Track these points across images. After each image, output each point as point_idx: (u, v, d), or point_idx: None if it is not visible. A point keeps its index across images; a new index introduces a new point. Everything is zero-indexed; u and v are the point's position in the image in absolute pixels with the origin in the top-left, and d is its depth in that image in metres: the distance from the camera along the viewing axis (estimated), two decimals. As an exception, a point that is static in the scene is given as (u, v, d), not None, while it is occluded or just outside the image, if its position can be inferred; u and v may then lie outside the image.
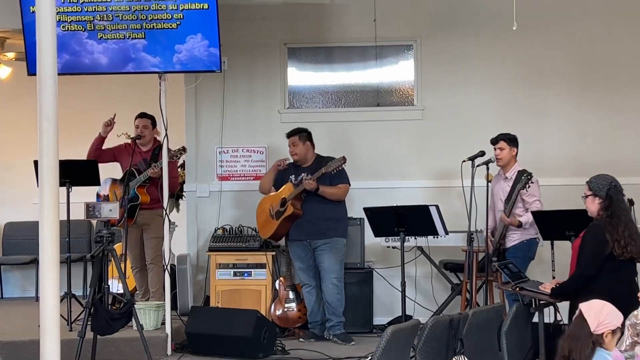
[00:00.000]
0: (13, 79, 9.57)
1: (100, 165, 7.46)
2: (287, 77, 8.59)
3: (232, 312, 7.16)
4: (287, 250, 7.78)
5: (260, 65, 8.51)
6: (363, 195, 8.06)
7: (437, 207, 7.07)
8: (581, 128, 8.34)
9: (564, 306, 5.68)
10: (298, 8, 8.48)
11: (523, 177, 6.79)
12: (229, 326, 6.79)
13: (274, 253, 7.92)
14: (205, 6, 6.55)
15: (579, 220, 5.95)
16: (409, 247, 7.65)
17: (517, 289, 5.68)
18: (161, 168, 6.92)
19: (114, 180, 7.56)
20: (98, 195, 7.63)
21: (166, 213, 6.81)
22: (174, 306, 7.36)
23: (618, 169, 6.76)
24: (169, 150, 6.95)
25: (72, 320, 6.88)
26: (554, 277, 6.55)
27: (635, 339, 3.96)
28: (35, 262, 9.17)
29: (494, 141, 7.16)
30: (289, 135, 7.65)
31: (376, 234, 7.43)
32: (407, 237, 7.14)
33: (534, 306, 5.64)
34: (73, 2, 6.61)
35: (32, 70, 6.24)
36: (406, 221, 7.03)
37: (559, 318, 6.19)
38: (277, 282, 7.85)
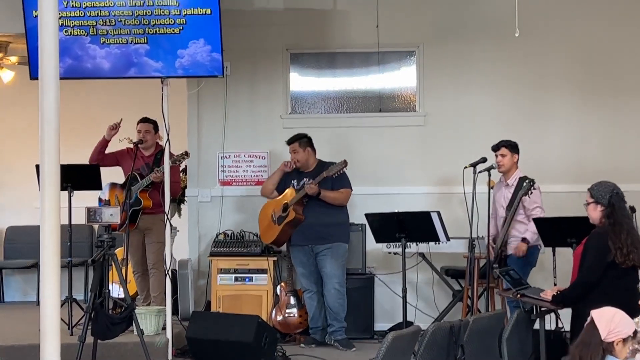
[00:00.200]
0: (16, 83, 9.57)
1: (102, 169, 7.46)
2: (290, 83, 8.60)
3: (233, 317, 7.15)
4: (288, 255, 7.78)
5: (262, 71, 8.52)
6: (365, 201, 8.05)
7: (438, 213, 7.06)
8: (583, 134, 8.34)
9: (565, 313, 5.68)
10: (301, 14, 8.50)
11: (525, 184, 6.79)
12: (230, 331, 6.78)
13: (275, 258, 7.91)
14: (208, 11, 6.56)
15: (581, 227, 5.95)
16: (411, 253, 7.64)
17: (519, 295, 5.68)
18: (163, 172, 6.92)
19: (115, 185, 7.56)
20: (100, 200, 7.63)
21: (168, 218, 6.81)
22: (175, 311, 7.35)
23: (620, 175, 6.75)
24: (171, 155, 6.95)
25: (73, 325, 6.87)
26: (555, 284, 6.55)
27: (636, 346, 3.94)
28: (36, 266, 9.15)
29: (495, 148, 7.16)
30: (289, 142, 7.65)
31: (377, 240, 7.43)
32: (408, 243, 7.13)
33: (535, 313, 5.64)
34: (76, 6, 6.62)
35: (34, 75, 6.25)
36: (407, 227, 7.03)
37: (560, 325, 6.18)
38: (278, 287, 7.84)
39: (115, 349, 6.49)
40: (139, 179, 7.26)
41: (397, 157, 8.42)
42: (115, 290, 7.55)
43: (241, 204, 8.46)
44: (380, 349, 3.93)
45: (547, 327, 5.81)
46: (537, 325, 5.68)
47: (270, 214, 7.65)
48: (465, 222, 7.11)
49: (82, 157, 7.48)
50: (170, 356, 6.74)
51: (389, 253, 7.87)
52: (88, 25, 6.65)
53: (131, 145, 7.55)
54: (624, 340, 3.54)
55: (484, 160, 7.17)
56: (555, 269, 6.90)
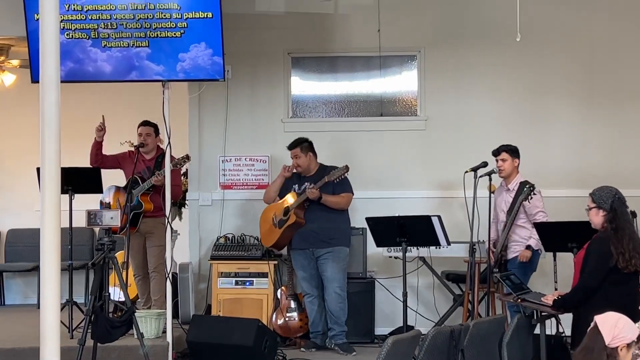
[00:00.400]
0: (17, 86, 9.58)
1: (103, 171, 7.46)
2: (291, 87, 8.60)
3: (234, 321, 7.14)
4: (289, 259, 7.78)
5: (263, 75, 8.52)
6: (366, 205, 8.05)
7: (439, 217, 7.06)
8: (584, 139, 8.33)
9: (566, 318, 5.67)
10: (302, 17, 8.50)
11: (525, 189, 6.79)
12: (230, 335, 6.77)
13: (275, 262, 7.91)
14: (209, 15, 6.56)
15: (582, 232, 5.95)
16: (411, 258, 7.64)
17: (519, 300, 5.67)
18: (164, 176, 6.92)
19: (117, 188, 7.56)
20: (101, 203, 7.63)
21: (168, 221, 6.81)
22: (175, 314, 7.35)
23: (621, 180, 6.74)
24: (172, 158, 6.95)
25: (73, 328, 6.87)
26: (556, 289, 6.54)
27: (637, 352, 3.93)
28: (37, 269, 9.15)
29: (496, 153, 7.16)
30: (291, 147, 7.65)
31: (378, 244, 7.42)
32: (409, 248, 7.13)
33: (535, 318, 5.63)
34: (77, 10, 6.63)
35: (35, 78, 6.25)
36: (408, 231, 7.02)
37: (560, 330, 6.18)
38: (279, 291, 7.84)
39: (116, 352, 6.49)
40: (140, 182, 7.26)
41: (398, 161, 8.42)
42: (116, 294, 7.54)
43: (242, 208, 8.46)
44: (380, 353, 3.93)
45: (548, 332, 5.80)
46: (537, 330, 5.67)
47: (271, 217, 7.65)
48: (466, 226, 7.11)
49: (83, 160, 7.49)
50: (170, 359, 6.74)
51: (390, 257, 7.87)
52: (89, 28, 6.65)
53: (132, 149, 7.55)
54: (628, 346, 3.53)
55: (484, 164, 7.17)
56: (556, 274, 6.89)
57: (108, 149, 7.54)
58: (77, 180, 7.12)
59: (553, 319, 5.98)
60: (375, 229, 7.29)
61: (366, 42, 8.35)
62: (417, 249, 7.60)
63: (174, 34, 6.59)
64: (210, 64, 6.61)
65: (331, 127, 8.48)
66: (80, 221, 7.27)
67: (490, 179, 7.12)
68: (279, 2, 8.55)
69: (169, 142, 6.73)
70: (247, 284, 7.86)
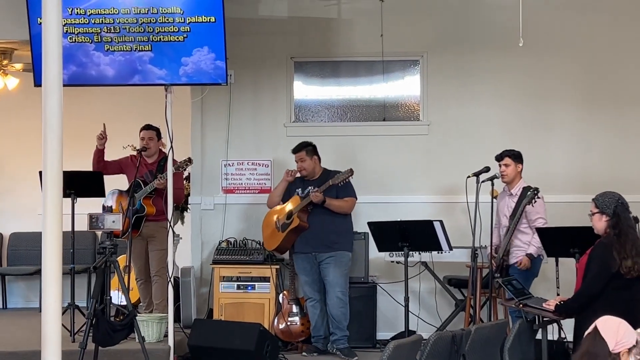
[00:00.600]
0: (20, 90, 9.60)
1: (106, 177, 7.46)
2: (293, 91, 8.60)
3: (235, 325, 7.15)
4: (291, 263, 7.78)
5: (266, 79, 8.53)
6: (367, 209, 8.04)
7: (441, 222, 7.06)
8: (587, 144, 8.33)
9: (568, 323, 5.66)
10: (305, 22, 8.51)
11: (529, 193, 6.79)
12: (232, 339, 6.77)
13: (277, 266, 7.91)
14: (212, 19, 6.56)
15: (584, 237, 5.94)
16: (413, 262, 7.63)
17: (521, 305, 5.67)
18: (167, 179, 6.92)
19: (120, 192, 7.56)
20: (104, 207, 7.63)
21: (170, 225, 6.81)
22: (177, 319, 7.35)
23: (624, 186, 6.75)
24: (174, 161, 6.96)
25: (75, 332, 6.87)
26: (558, 294, 6.54)
27: (639, 357, 3.92)
28: (39, 272, 9.10)
29: (499, 158, 7.15)
30: (295, 151, 7.65)
31: (380, 249, 7.43)
32: (411, 252, 7.13)
33: (537, 323, 5.62)
34: (80, 14, 6.64)
35: (38, 82, 6.25)
36: (410, 236, 7.02)
37: (562, 335, 6.17)
38: (281, 295, 7.83)
39: (117, 356, 6.49)
40: (143, 186, 7.26)
41: (400, 166, 8.41)
42: (118, 297, 7.55)
43: (244, 212, 8.46)
44: (381, 357, 3.92)
45: (550, 337, 5.79)
46: (539, 336, 5.66)
47: (274, 221, 7.65)
48: (468, 231, 7.10)
49: (86, 164, 7.49)
50: (171, 364, 6.74)
51: (392, 262, 7.86)
52: (92, 32, 6.66)
53: (134, 153, 7.56)
54: (629, 351, 3.53)
55: (487, 169, 7.16)
56: (558, 279, 6.88)
57: (110, 153, 7.54)
58: (79, 184, 7.13)
59: (555, 325, 5.97)
60: (377, 233, 7.29)
61: (369, 46, 8.36)
62: (419, 253, 7.59)
63: (177, 38, 6.60)
64: (213, 68, 6.62)
65: (334, 131, 8.48)
66: (82, 225, 7.28)
67: (492, 184, 7.11)
68: (282, 7, 8.57)
69: (172, 146, 6.73)
70: (249, 288, 7.86)
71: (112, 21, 6.62)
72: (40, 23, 4.48)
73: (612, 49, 8.34)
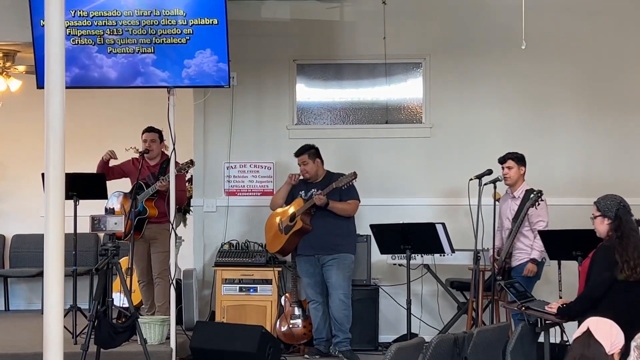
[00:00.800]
0: (23, 92, 9.60)
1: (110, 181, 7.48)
2: (296, 93, 8.61)
3: (237, 327, 7.15)
4: (293, 266, 7.78)
5: (269, 81, 8.53)
6: (370, 212, 8.04)
7: (443, 225, 7.06)
8: (589, 147, 8.32)
9: (570, 326, 5.65)
10: (308, 24, 8.51)
11: (533, 195, 6.79)
12: (234, 341, 6.77)
13: (280, 269, 7.91)
14: (215, 21, 6.57)
15: (587, 240, 5.93)
16: (415, 265, 7.63)
17: (523, 308, 5.66)
18: (169, 181, 6.93)
19: (124, 194, 7.56)
20: (106, 209, 7.63)
21: (173, 227, 6.81)
22: (179, 321, 7.34)
23: (626, 189, 6.74)
24: (176, 163, 6.96)
25: (77, 334, 6.87)
26: (560, 297, 6.53)
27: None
28: (41, 274, 9.11)
29: (502, 160, 7.15)
30: (298, 154, 7.65)
31: (382, 251, 7.42)
32: (413, 255, 7.12)
33: (540, 326, 5.62)
34: (83, 16, 6.64)
35: (41, 84, 6.18)
36: (412, 239, 7.02)
37: (565, 338, 6.16)
38: (283, 298, 7.83)
39: (119, 358, 6.48)
40: (145, 188, 7.26)
41: (402, 169, 8.42)
42: (120, 300, 7.54)
43: (246, 214, 8.46)
44: (383, 360, 3.92)
45: (552, 340, 5.79)
46: (541, 338, 5.65)
47: (277, 223, 7.65)
48: (471, 234, 7.10)
49: (88, 166, 7.50)
50: (174, 366, 6.74)
51: (394, 264, 7.87)
52: (95, 34, 6.67)
53: (137, 155, 7.56)
54: (620, 352, 3.53)
55: (489, 172, 7.15)
56: (561, 282, 6.88)
57: (108, 165, 7.53)
58: (81, 186, 7.13)
59: (557, 327, 5.96)
60: (379, 236, 7.28)
61: (372, 49, 8.36)
62: (422, 256, 7.59)
63: (180, 40, 6.61)
64: (216, 70, 6.62)
65: (336, 134, 8.48)
66: (84, 227, 7.29)
67: (495, 187, 7.11)
68: (285, 9, 8.57)
69: (174, 149, 6.74)
70: (251, 290, 7.86)
71: (115, 23, 6.63)
72: (43, 25, 4.49)
73: (615, 53, 8.33)
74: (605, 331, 3.46)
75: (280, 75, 8.52)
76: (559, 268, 6.93)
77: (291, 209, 7.57)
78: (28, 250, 9.80)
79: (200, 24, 6.58)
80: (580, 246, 6.37)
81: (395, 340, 7.50)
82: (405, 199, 8.31)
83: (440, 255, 7.42)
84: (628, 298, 5.28)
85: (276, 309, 7.82)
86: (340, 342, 7.41)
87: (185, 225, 8.60)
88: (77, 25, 6.64)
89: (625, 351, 3.53)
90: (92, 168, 7.50)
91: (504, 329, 5.55)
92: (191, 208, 8.54)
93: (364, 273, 7.95)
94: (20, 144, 9.98)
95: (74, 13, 6.62)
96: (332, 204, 7.40)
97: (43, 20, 5.63)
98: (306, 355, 7.47)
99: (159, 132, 7.49)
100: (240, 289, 7.87)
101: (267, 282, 7.84)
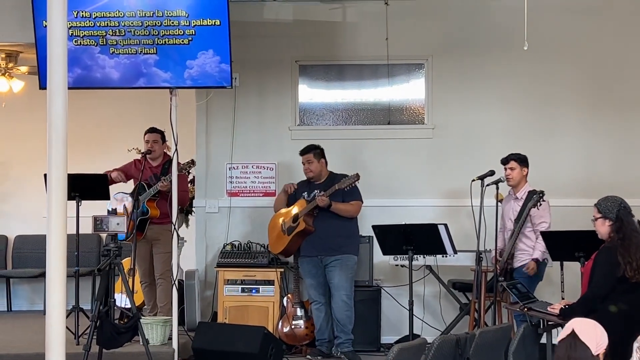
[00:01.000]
0: (26, 93, 9.61)
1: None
2: (298, 94, 8.61)
3: (239, 328, 7.15)
4: (295, 267, 7.78)
5: (271, 82, 8.53)
6: (372, 213, 8.04)
7: (445, 226, 7.05)
8: (591, 149, 8.32)
9: (572, 327, 5.63)
10: (310, 25, 8.51)
11: (535, 196, 6.79)
12: (236, 342, 6.78)
13: (282, 270, 7.91)
14: (217, 22, 6.57)
15: (589, 241, 5.93)
16: (418, 266, 7.62)
17: (526, 309, 5.66)
18: (171, 181, 6.93)
19: (125, 195, 7.57)
20: (109, 210, 7.64)
21: (175, 228, 6.81)
22: (181, 321, 7.35)
23: (628, 190, 6.75)
24: (178, 164, 6.96)
25: (79, 334, 6.88)
26: (563, 298, 6.53)
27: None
28: (44, 275, 9.15)
29: (505, 161, 7.15)
30: (303, 152, 7.66)
31: (384, 252, 7.42)
32: (415, 256, 7.12)
33: (542, 327, 5.61)
34: (86, 17, 6.65)
35: (43, 84, 6.25)
36: (414, 240, 7.02)
37: (567, 339, 6.14)
38: (285, 298, 7.83)
39: (121, 358, 6.49)
40: (147, 189, 7.27)
41: (405, 170, 8.41)
42: (122, 300, 7.55)
43: (249, 215, 8.46)
44: (385, 361, 3.92)
45: (554, 342, 5.76)
46: (544, 339, 5.65)
47: (280, 224, 7.66)
48: (473, 235, 7.10)
49: (91, 166, 7.50)
50: (176, 366, 6.75)
51: (396, 265, 7.87)
52: (98, 35, 6.67)
53: (139, 156, 7.57)
54: (605, 353, 3.52)
55: (491, 173, 7.15)
56: (563, 283, 6.88)
57: (115, 156, 7.55)
58: (84, 187, 7.14)
59: (560, 328, 5.95)
60: (381, 237, 7.28)
61: (374, 50, 8.36)
62: (424, 257, 7.59)
63: (182, 41, 6.61)
64: (218, 71, 6.62)
65: (338, 135, 8.48)
66: (87, 228, 7.29)
67: (497, 188, 7.11)
68: (287, 10, 8.57)
69: (176, 149, 6.74)
70: (253, 291, 7.86)
71: (118, 24, 6.64)
72: (46, 26, 4.49)
73: (616, 54, 8.33)
74: (590, 332, 3.45)
75: (282, 76, 8.53)
76: (562, 269, 6.92)
77: (294, 210, 7.57)
78: (30, 251, 9.80)
79: (203, 25, 6.58)
80: (582, 247, 6.37)
81: (397, 341, 7.50)
82: (407, 200, 8.31)
83: (443, 256, 7.42)
84: (631, 299, 5.27)
85: (278, 309, 7.82)
86: (342, 343, 7.41)
87: (187, 226, 8.61)
88: (80, 26, 6.65)
89: (626, 352, 3.53)
90: (94, 169, 7.52)
91: (506, 330, 5.55)
92: (193, 209, 8.54)
93: (367, 274, 7.95)
94: (22, 144, 9.99)
95: (77, 14, 6.63)
96: (334, 205, 7.41)
97: (45, 21, 5.64)
98: (308, 356, 7.48)
99: (162, 133, 7.50)
100: (243, 290, 7.87)
101: (270, 283, 7.84)
